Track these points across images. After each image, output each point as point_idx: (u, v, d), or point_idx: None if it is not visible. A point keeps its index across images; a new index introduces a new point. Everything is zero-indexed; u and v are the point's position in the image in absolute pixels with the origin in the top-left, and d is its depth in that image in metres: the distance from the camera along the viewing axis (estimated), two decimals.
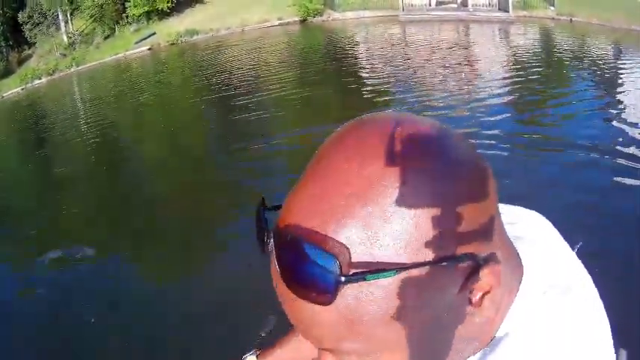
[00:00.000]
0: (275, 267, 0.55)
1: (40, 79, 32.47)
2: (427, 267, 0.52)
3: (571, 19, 23.08)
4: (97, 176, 12.28)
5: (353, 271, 0.50)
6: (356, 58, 20.30)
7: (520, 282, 0.64)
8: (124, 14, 36.55)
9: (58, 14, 36.84)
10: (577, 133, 9.72)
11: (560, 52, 18.12)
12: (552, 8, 24.58)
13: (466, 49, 20.08)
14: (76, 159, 14.00)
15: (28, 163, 15.71)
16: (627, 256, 5.42)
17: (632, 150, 8.64)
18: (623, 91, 12.53)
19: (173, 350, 5.35)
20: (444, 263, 0.52)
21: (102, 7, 35.98)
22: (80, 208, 10.28)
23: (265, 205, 0.62)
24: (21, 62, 36.87)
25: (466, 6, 27.66)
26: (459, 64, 16.67)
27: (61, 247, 8.59)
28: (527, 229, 0.71)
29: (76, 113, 21.30)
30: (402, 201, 0.51)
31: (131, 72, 28.22)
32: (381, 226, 0.51)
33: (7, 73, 35.17)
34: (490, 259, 0.56)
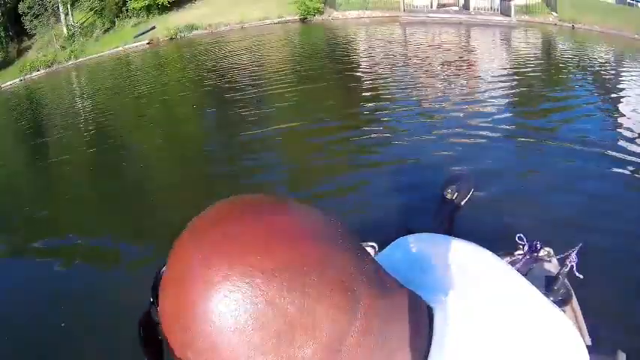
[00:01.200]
0: None
1: (38, 70, 32.41)
2: None
3: (573, 26, 23.06)
4: (93, 167, 12.24)
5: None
6: (356, 57, 20.21)
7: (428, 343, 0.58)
8: (124, 8, 36.48)
9: (58, 6, 36.77)
10: (575, 138, 9.68)
11: (561, 58, 18.07)
12: (554, 14, 24.56)
13: (467, 51, 20.02)
14: (73, 150, 13.90)
15: (23, 153, 15.65)
16: (627, 256, 5.38)
17: (630, 157, 8.62)
18: (623, 99, 12.50)
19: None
20: None
21: (102, 0, 35.92)
22: (75, 199, 10.22)
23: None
24: (20, 53, 36.81)
25: (468, 9, 27.63)
26: (459, 66, 16.61)
27: (53, 237, 8.57)
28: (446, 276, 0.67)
29: (74, 105, 21.23)
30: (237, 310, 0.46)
31: (129, 66, 28.13)
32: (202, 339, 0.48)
33: (7, 64, 35.11)
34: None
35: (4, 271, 8.13)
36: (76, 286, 7.00)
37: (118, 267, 7.36)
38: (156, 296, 0.54)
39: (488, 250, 0.72)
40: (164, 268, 0.54)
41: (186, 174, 10.48)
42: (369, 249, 3.14)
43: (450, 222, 3.26)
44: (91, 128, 15.76)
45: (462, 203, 3.28)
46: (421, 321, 0.59)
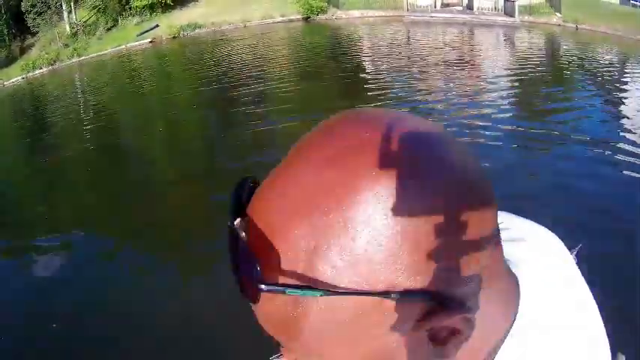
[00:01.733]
0: None
1: (41, 68, 32.41)
2: (367, 297, 0.46)
3: (577, 27, 22.99)
4: (95, 165, 12.22)
5: (279, 279, 0.46)
6: (359, 57, 20.18)
7: (512, 322, 0.57)
8: (127, 6, 36.42)
9: (61, 4, 36.75)
10: (577, 139, 9.68)
11: (565, 59, 18.03)
12: (558, 15, 24.48)
13: (470, 52, 19.98)
14: (74, 148, 13.92)
15: (26, 150, 15.66)
16: (627, 257, 5.36)
17: (633, 159, 8.60)
18: (627, 100, 12.47)
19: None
20: (393, 296, 0.46)
21: None
22: (77, 195, 10.23)
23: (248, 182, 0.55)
24: (23, 51, 36.80)
25: (471, 9, 27.56)
26: (463, 67, 16.58)
27: (55, 233, 8.58)
28: (531, 250, 0.65)
29: (76, 103, 21.25)
30: (362, 218, 0.45)
31: (132, 64, 28.13)
32: (330, 240, 0.45)
33: (10, 61, 35.10)
34: (462, 304, 0.49)
35: (5, 269, 8.15)
36: (75, 283, 7.01)
37: (119, 265, 7.35)
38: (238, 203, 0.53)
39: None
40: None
41: (188, 170, 10.48)
42: None
43: None
44: (93, 126, 15.75)
45: None
46: (513, 284, 0.60)
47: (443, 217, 0.46)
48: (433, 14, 27.96)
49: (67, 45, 34.94)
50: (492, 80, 14.29)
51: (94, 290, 6.57)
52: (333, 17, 30.86)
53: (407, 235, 0.45)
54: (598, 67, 16.28)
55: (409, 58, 19.04)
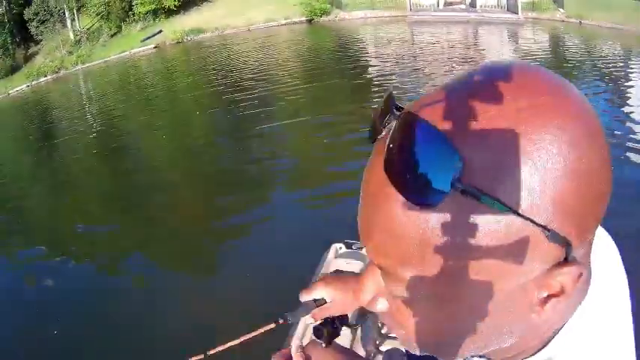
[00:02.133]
0: (377, 157, 0.53)
1: (45, 76, 32.42)
2: (534, 226, 0.49)
3: (580, 22, 22.85)
4: (102, 173, 12.20)
5: (472, 183, 0.48)
6: (363, 57, 20.11)
7: (579, 305, 0.62)
8: (130, 12, 36.41)
9: (64, 11, 36.79)
10: None
11: (569, 55, 17.90)
12: (561, 10, 24.36)
13: (474, 50, 19.88)
14: (81, 156, 13.93)
15: (32, 159, 15.65)
16: (629, 258, 5.26)
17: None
18: (632, 94, 12.38)
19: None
20: (548, 232, 0.50)
21: (108, 5, 35.88)
22: (83, 201, 10.20)
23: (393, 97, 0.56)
24: (27, 59, 36.84)
25: (474, 7, 27.45)
26: (467, 64, 16.48)
27: (60, 238, 8.58)
28: (594, 251, 0.64)
29: (82, 110, 21.26)
30: (546, 156, 0.49)
31: (136, 70, 28.13)
32: (515, 161, 0.49)
33: (14, 70, 35.15)
34: (579, 259, 0.54)
35: (9, 272, 8.15)
36: (81, 287, 6.98)
37: (123, 269, 7.31)
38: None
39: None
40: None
41: (194, 175, 10.43)
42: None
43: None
44: (99, 132, 15.77)
45: None
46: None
47: (597, 178, 0.52)
48: (436, 13, 27.86)
49: (71, 52, 34.97)
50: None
51: (98, 297, 6.53)
52: (337, 19, 30.78)
53: (577, 187, 0.50)
54: (602, 62, 16.16)
55: (414, 58, 18.96)
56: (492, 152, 0.48)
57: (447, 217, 0.49)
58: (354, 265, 3.43)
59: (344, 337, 3.07)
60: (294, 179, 9.14)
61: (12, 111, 26.95)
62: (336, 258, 3.63)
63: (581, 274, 0.53)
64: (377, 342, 2.97)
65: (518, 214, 0.48)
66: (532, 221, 0.49)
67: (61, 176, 13.13)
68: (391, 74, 16.05)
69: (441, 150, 0.47)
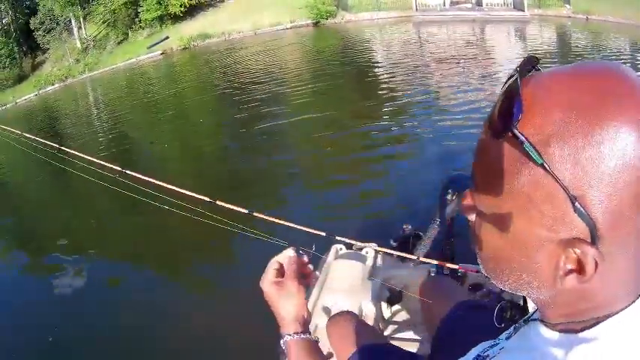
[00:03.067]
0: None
1: (53, 84, 32.55)
2: (564, 193, 0.60)
3: (587, 18, 22.67)
4: (111, 182, 12.14)
5: (524, 133, 0.61)
6: (370, 59, 19.96)
7: (632, 302, 0.67)
8: (136, 19, 36.48)
9: (70, 20, 36.93)
10: None
11: (577, 51, 17.73)
12: (568, 6, 24.19)
13: (482, 50, 19.73)
14: (88, 161, 13.87)
15: (39, 166, 15.66)
16: None
17: None
18: None
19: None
20: (575, 202, 0.59)
21: (114, 12, 35.98)
22: (92, 212, 10.14)
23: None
24: (35, 68, 37.04)
25: (481, 5, 27.32)
26: (475, 64, 16.36)
27: (68, 247, 8.53)
28: None
29: (89, 117, 21.25)
30: (601, 137, 0.58)
31: (144, 77, 28.10)
32: (572, 135, 0.59)
33: (22, 78, 35.37)
34: (606, 250, 0.61)
35: (17, 282, 8.10)
36: (78, 293, 6.91)
37: (131, 280, 7.23)
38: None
39: None
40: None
41: (201, 179, 10.34)
42: (368, 249, 2.94)
43: (450, 222, 3.15)
44: (107, 139, 15.67)
45: None
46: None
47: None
48: (442, 13, 27.76)
49: (78, 60, 35.12)
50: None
51: (101, 304, 6.46)
52: (343, 21, 30.72)
53: (624, 184, 0.58)
54: (610, 58, 15.98)
55: (421, 58, 18.84)
56: (554, 121, 0.60)
57: (502, 153, 0.64)
58: (354, 266, 3.39)
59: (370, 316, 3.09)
60: (295, 180, 9.08)
61: (20, 119, 27.03)
62: (336, 259, 3.57)
63: (596, 264, 0.60)
64: None
65: (545, 169, 0.60)
66: (557, 180, 0.59)
67: (65, 182, 13.11)
68: (398, 75, 15.92)
69: (511, 107, 0.62)
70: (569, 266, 0.62)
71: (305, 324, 1.33)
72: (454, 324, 1.82)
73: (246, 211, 3.64)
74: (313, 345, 1.34)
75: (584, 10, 22.95)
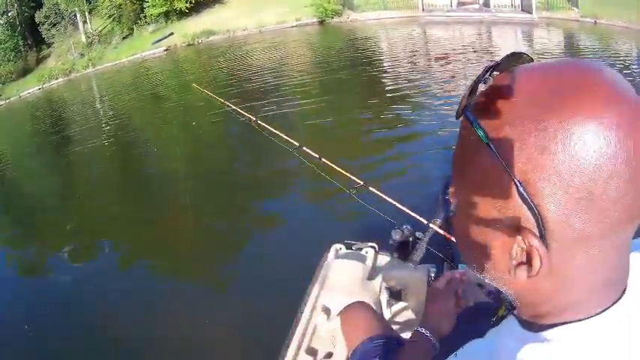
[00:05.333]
0: None
1: (57, 78, 32.58)
2: (510, 178, 0.61)
3: (595, 21, 22.54)
4: (115, 175, 12.14)
5: (477, 117, 0.65)
6: (376, 58, 19.91)
7: (608, 305, 0.67)
8: (142, 14, 36.48)
9: (75, 14, 36.96)
10: None
11: (584, 55, 17.63)
12: (576, 9, 24.07)
13: (489, 51, 19.68)
14: (94, 158, 13.91)
15: (45, 162, 15.68)
16: None
17: None
18: None
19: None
20: (520, 189, 0.60)
21: (120, 7, 35.98)
22: (98, 208, 10.16)
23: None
24: (40, 62, 37.08)
25: (488, 7, 27.21)
26: (482, 65, 16.28)
27: (71, 244, 8.58)
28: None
29: (93, 112, 21.33)
30: (562, 131, 0.58)
31: (147, 72, 28.09)
32: (520, 121, 0.60)
33: (26, 72, 35.42)
34: (557, 249, 0.62)
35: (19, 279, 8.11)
36: (80, 291, 6.90)
37: (135, 279, 7.19)
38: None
39: None
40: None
41: (212, 183, 10.32)
42: (368, 249, 2.88)
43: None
44: (111, 135, 15.68)
45: None
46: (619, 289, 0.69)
47: (602, 183, 0.58)
48: (449, 13, 27.65)
49: (82, 55, 35.13)
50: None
51: (97, 301, 6.43)
52: (349, 20, 30.64)
53: (571, 169, 0.57)
54: (618, 63, 15.89)
55: (426, 58, 18.79)
56: (510, 108, 0.62)
57: (466, 137, 0.66)
58: (354, 266, 3.39)
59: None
60: (297, 180, 9.04)
61: (23, 113, 27.11)
62: (336, 259, 3.57)
63: (541, 264, 0.62)
64: None
65: (490, 148, 0.62)
66: (501, 161, 0.61)
67: (69, 178, 13.12)
68: (404, 75, 15.85)
69: (472, 91, 0.65)
70: (519, 257, 0.64)
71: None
72: (460, 325, 1.82)
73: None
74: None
75: (592, 14, 22.82)
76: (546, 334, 0.67)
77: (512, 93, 0.62)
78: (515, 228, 0.62)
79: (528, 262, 0.63)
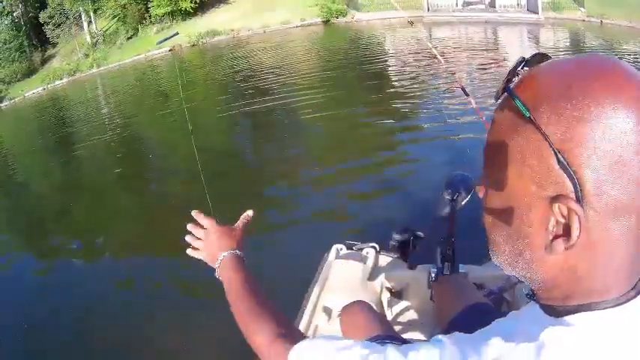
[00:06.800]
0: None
1: (61, 79, 32.66)
2: (551, 150, 0.66)
3: (601, 22, 22.48)
4: (115, 176, 12.12)
5: (521, 95, 0.71)
6: (381, 58, 19.88)
7: (628, 288, 0.70)
8: (147, 14, 36.51)
9: (80, 14, 37.05)
10: None
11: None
12: (582, 10, 24.01)
13: (495, 52, 19.64)
14: (96, 158, 13.92)
15: (47, 161, 15.70)
16: None
17: None
18: None
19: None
20: (559, 156, 0.66)
21: (124, 7, 36.02)
22: (102, 207, 10.15)
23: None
24: (45, 62, 37.19)
25: (494, 7, 27.16)
26: (488, 66, 16.28)
27: (72, 243, 8.56)
28: None
29: (96, 112, 21.32)
30: (596, 111, 0.64)
31: (152, 73, 28.14)
32: (558, 98, 0.67)
33: (31, 72, 35.54)
34: (592, 217, 0.66)
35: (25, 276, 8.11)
36: (82, 292, 6.87)
37: (139, 279, 7.17)
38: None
39: None
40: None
41: (210, 181, 10.27)
42: (369, 249, 2.80)
43: (451, 223, 3.10)
44: (116, 136, 15.67)
45: (463, 203, 3.16)
46: None
47: (628, 160, 0.63)
48: (454, 14, 27.60)
49: (87, 55, 35.21)
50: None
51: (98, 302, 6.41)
52: (353, 20, 30.65)
53: (607, 151, 0.63)
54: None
55: (431, 59, 18.73)
56: (548, 88, 0.68)
57: (504, 117, 0.73)
58: (355, 266, 3.35)
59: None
60: (298, 180, 9.04)
61: (27, 113, 27.20)
62: (337, 259, 3.54)
63: (579, 232, 0.66)
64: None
65: (532, 122, 0.68)
66: (542, 133, 0.67)
67: (72, 177, 13.11)
68: (409, 76, 15.82)
69: (511, 74, 0.74)
70: (556, 230, 0.68)
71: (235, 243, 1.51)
72: (467, 325, 1.80)
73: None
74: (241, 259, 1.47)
75: (598, 14, 22.76)
76: (571, 319, 0.69)
77: (546, 77, 0.69)
78: (554, 198, 0.67)
79: (565, 233, 0.67)
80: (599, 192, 0.64)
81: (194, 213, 1.60)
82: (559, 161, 0.65)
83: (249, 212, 1.65)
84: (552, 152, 0.66)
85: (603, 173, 0.63)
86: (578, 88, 0.65)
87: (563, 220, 0.67)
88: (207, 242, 1.53)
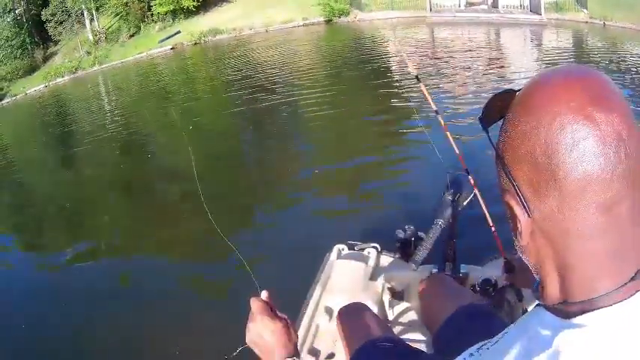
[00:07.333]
0: None
1: (63, 76, 32.65)
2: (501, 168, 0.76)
3: (604, 23, 22.42)
4: (114, 175, 12.11)
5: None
6: (383, 58, 19.85)
7: (625, 281, 0.69)
8: (149, 12, 36.47)
9: (82, 12, 37.01)
10: None
11: (593, 58, 17.50)
12: (585, 11, 23.96)
13: (498, 53, 19.62)
14: (96, 155, 13.92)
15: (47, 157, 15.70)
16: None
17: None
18: None
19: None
20: (499, 160, 0.77)
21: (127, 5, 35.97)
22: (103, 206, 10.16)
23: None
24: (47, 59, 37.16)
25: (497, 7, 27.12)
26: (491, 67, 16.26)
27: (73, 243, 8.55)
28: None
29: (98, 110, 21.36)
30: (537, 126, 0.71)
31: (154, 71, 28.13)
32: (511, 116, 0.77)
33: (33, 70, 35.51)
34: (539, 218, 0.72)
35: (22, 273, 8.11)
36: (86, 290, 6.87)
37: (140, 279, 7.16)
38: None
39: None
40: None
41: (210, 181, 10.30)
42: (371, 249, 2.81)
43: (452, 223, 3.11)
44: (117, 133, 15.68)
45: (464, 204, 3.18)
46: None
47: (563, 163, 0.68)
48: (457, 14, 27.56)
49: (89, 52, 35.17)
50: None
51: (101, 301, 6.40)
52: (356, 19, 30.63)
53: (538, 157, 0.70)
54: (627, 65, 15.78)
55: (436, 59, 18.71)
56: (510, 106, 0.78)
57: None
58: (356, 267, 3.38)
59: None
60: (298, 181, 9.03)
61: (29, 110, 27.22)
62: (339, 259, 3.56)
63: (530, 231, 0.74)
64: None
65: (489, 139, 0.84)
66: (490, 141, 0.82)
67: (72, 174, 13.11)
68: (411, 77, 15.78)
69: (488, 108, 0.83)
70: (515, 222, 0.76)
71: (294, 348, 1.35)
72: (461, 327, 1.83)
73: None
74: None
75: (601, 16, 22.70)
76: (578, 320, 0.69)
77: (511, 101, 0.79)
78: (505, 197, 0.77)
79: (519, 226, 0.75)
80: (540, 199, 0.71)
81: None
82: (497, 163, 0.77)
83: (264, 294, 1.45)
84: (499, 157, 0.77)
85: (540, 181, 0.70)
86: (522, 103, 0.75)
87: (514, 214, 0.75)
88: (263, 333, 1.37)
